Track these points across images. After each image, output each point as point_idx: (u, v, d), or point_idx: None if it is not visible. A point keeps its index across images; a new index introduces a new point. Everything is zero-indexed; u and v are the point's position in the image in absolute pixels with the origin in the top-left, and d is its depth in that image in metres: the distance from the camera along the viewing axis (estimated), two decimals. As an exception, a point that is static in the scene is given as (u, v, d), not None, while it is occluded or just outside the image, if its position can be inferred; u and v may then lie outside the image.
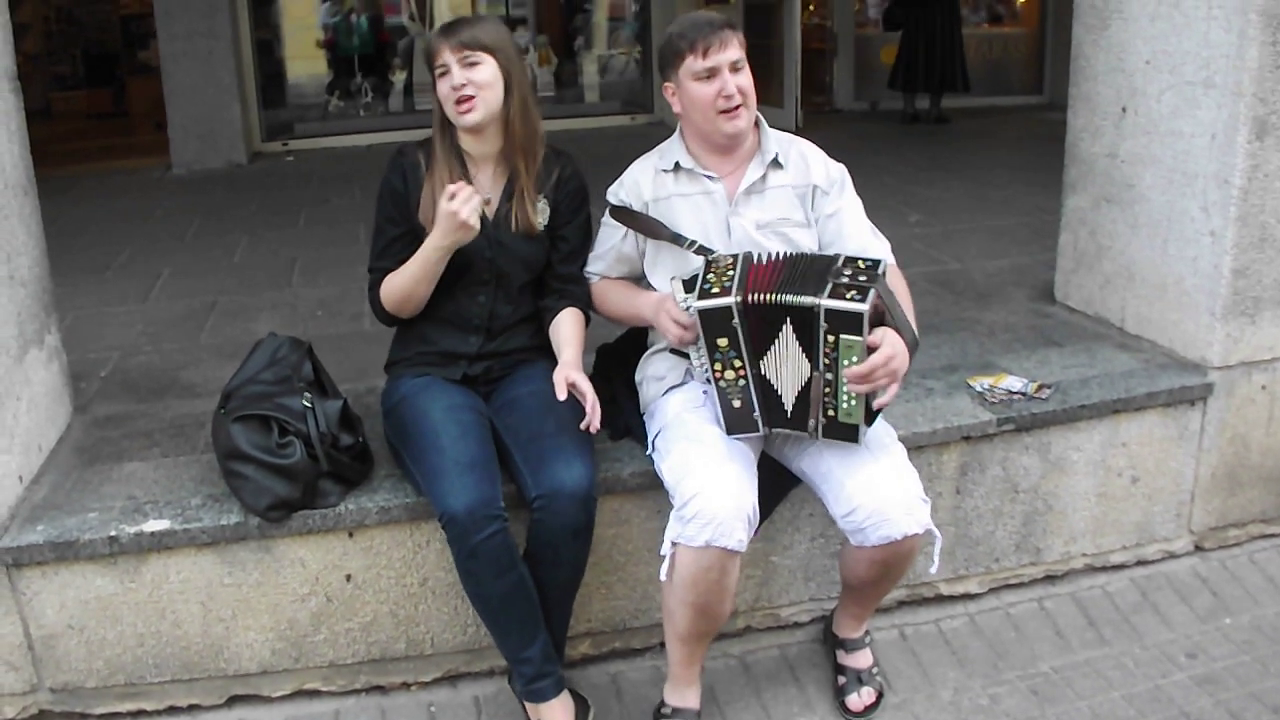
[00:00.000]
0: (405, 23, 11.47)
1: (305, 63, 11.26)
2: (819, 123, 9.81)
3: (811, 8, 12.03)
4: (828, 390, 2.76)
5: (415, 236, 3.05)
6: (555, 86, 11.62)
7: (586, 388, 2.94)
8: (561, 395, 2.90)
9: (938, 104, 10.29)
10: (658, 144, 3.21)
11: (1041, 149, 6.95)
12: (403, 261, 3.06)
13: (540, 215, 3.12)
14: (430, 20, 11.26)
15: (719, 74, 2.93)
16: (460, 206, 2.86)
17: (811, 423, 2.82)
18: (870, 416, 2.83)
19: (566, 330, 3.14)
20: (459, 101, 2.95)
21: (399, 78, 11.44)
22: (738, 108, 2.96)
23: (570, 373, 2.96)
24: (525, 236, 3.10)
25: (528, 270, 3.16)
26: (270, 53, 10.69)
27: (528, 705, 3.03)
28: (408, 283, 3.05)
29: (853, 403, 2.76)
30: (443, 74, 2.97)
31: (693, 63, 2.94)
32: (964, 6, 10.89)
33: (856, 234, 3.11)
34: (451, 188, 2.90)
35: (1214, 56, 3.57)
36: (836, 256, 2.83)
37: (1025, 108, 10.97)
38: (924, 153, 8.75)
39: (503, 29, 3.13)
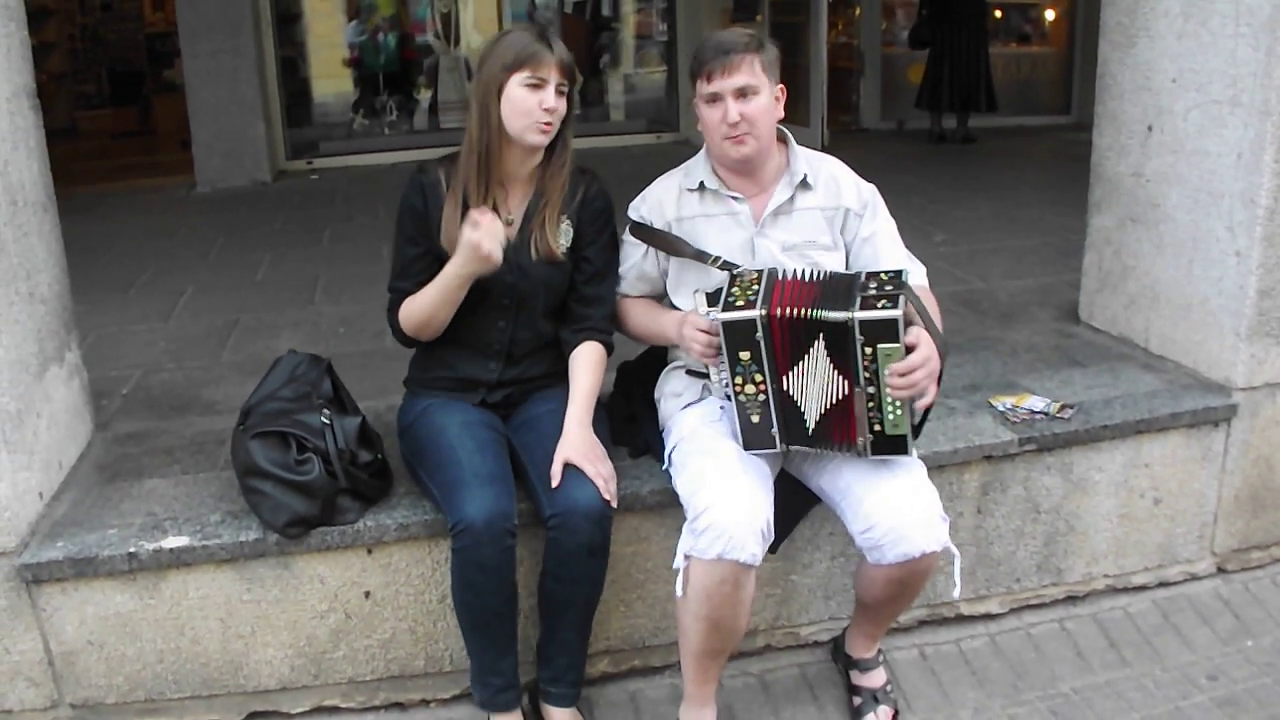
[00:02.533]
0: (430, 41, 11.46)
1: (330, 81, 11.25)
2: (845, 142, 9.79)
3: (839, 26, 12.02)
4: (871, 405, 2.74)
5: (436, 257, 3.01)
6: (580, 104, 11.60)
7: (592, 470, 2.90)
8: (555, 481, 2.88)
9: (964, 123, 10.27)
10: (683, 162, 3.19)
11: (1068, 169, 6.92)
12: (423, 283, 3.01)
13: (563, 238, 3.07)
14: (455, 39, 11.28)
15: (722, 100, 2.91)
16: (483, 239, 2.80)
17: (861, 440, 2.80)
18: (916, 429, 2.84)
19: (580, 374, 3.09)
20: (544, 123, 2.92)
21: (424, 96, 11.42)
22: (743, 135, 2.93)
23: (569, 453, 2.92)
24: (547, 262, 3.05)
25: (549, 295, 3.11)
26: (295, 71, 10.72)
27: (493, 716, 3.05)
28: (427, 308, 3.00)
29: (898, 413, 2.74)
30: (537, 86, 2.91)
31: (701, 86, 2.94)
32: (991, 26, 10.85)
33: (892, 260, 3.06)
34: (475, 215, 2.83)
35: (1241, 75, 3.55)
36: (858, 273, 2.82)
37: (1053, 128, 10.93)
38: (950, 172, 8.74)
39: None
